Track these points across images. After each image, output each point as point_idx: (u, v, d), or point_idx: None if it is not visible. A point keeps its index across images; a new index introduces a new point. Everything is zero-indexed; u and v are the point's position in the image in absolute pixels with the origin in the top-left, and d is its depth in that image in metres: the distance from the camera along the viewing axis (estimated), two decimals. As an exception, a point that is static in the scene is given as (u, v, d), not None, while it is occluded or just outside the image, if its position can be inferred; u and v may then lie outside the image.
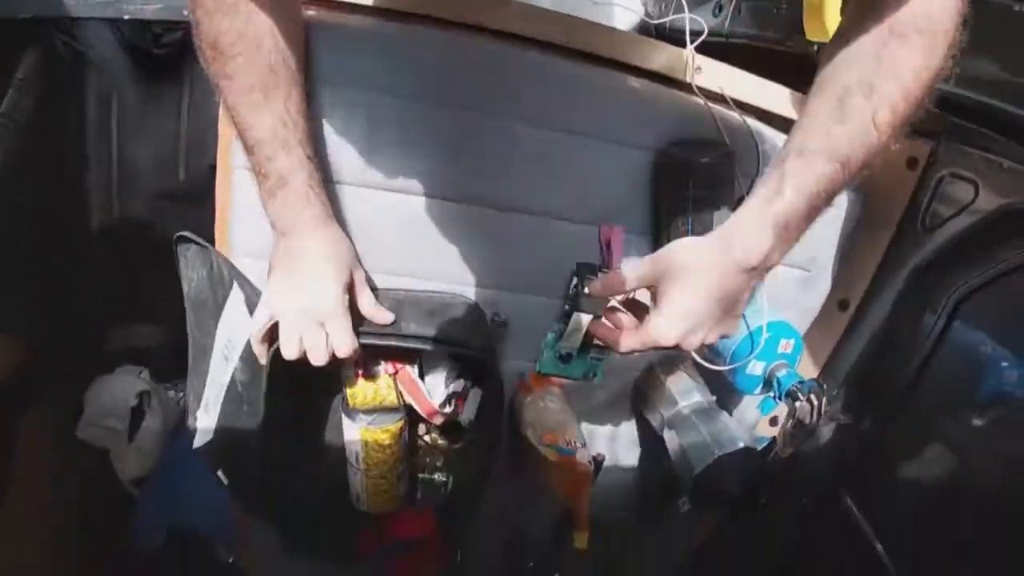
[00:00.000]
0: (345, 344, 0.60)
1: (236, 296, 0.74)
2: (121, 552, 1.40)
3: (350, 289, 0.63)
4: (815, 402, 0.71)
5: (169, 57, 1.29)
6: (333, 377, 0.75)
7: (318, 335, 0.59)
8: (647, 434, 0.91)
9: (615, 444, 0.92)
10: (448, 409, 0.73)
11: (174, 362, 1.54)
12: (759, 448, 0.76)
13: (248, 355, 0.73)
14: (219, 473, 0.84)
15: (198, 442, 0.83)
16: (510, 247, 0.76)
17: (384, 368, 0.71)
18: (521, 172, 0.73)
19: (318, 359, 0.59)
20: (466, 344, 0.69)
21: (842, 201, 0.79)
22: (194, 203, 1.02)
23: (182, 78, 1.26)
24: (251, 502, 0.86)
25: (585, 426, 0.86)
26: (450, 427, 0.78)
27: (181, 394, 1.63)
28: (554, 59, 0.73)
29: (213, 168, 0.75)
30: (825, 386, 0.73)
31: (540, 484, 0.77)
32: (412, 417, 0.79)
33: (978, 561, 0.71)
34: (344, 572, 0.89)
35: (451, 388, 0.72)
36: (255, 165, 0.57)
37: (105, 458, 1.46)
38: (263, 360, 0.66)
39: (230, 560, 1.50)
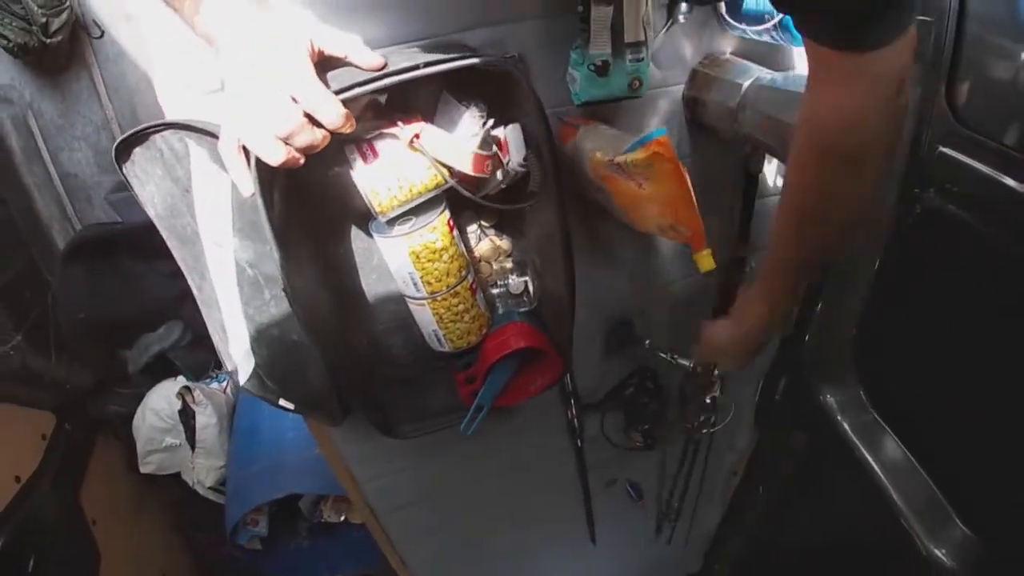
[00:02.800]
0: (328, 105, 0.46)
1: (198, 157, 0.56)
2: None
3: (319, 57, 0.50)
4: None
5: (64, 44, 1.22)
6: (346, 211, 0.64)
7: (294, 113, 0.45)
8: (717, 149, 0.77)
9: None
10: (492, 152, 0.60)
11: (201, 351, 1.42)
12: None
13: (241, 223, 0.58)
14: (281, 403, 0.67)
15: (243, 380, 0.66)
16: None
17: (399, 132, 0.56)
18: None
19: (307, 139, 0.46)
20: (478, 54, 0.55)
21: None
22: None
23: (85, 60, 1.20)
24: (326, 411, 0.72)
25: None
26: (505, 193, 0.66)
27: (225, 381, 1.46)
28: None
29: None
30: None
31: (634, 220, 0.65)
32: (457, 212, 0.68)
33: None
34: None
35: (483, 126, 0.59)
36: None
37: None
38: (248, 187, 0.50)
39: (319, 518, 1.39)
